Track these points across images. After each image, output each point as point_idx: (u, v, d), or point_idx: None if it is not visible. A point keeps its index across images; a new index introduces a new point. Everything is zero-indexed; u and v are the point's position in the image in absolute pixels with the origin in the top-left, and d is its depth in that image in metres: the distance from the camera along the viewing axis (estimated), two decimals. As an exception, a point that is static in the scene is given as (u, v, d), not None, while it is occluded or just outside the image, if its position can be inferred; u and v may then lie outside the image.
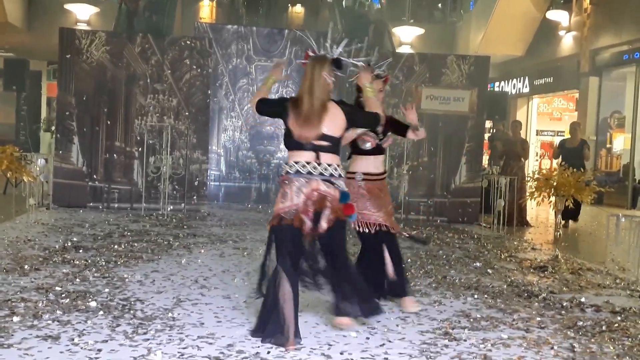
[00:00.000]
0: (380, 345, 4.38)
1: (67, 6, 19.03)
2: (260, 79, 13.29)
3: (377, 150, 5.52)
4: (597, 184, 10.35)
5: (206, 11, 19.51)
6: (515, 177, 11.04)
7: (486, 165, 14.76)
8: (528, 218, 11.95)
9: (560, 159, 11.85)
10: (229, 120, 13.39)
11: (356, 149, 5.51)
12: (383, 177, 5.64)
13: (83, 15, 18.85)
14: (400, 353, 4.25)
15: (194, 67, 11.86)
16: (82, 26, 17.68)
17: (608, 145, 17.33)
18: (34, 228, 8.85)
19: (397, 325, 4.86)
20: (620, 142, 17.07)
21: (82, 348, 4.04)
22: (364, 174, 5.46)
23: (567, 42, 18.37)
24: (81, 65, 11.47)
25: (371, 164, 5.51)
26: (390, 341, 4.49)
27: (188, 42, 12.01)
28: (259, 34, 13.60)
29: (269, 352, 4.13)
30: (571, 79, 18.23)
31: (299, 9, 20.06)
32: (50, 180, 11.21)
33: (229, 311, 5.05)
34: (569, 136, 12.41)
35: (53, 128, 15.81)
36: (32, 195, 10.25)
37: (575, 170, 10.07)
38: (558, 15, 18.37)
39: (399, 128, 5.67)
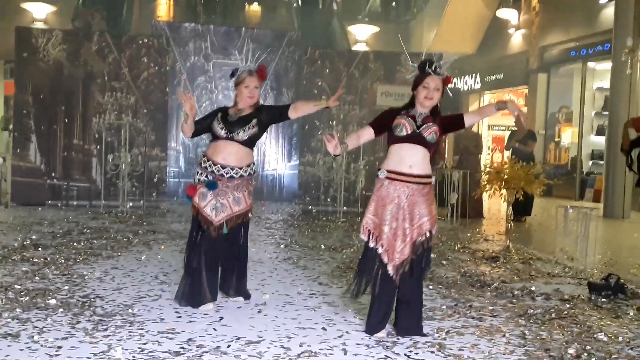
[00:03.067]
0: (338, 337, 4.39)
1: (24, 5, 18.67)
2: (219, 77, 13.22)
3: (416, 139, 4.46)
4: (546, 177, 10.51)
5: (163, 9, 19.31)
6: (467, 171, 11.14)
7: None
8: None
9: (510, 151, 12.00)
10: (187, 117, 13.28)
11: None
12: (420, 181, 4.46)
13: (40, 14, 18.52)
14: (358, 344, 4.26)
15: (152, 65, 11.77)
16: (39, 25, 17.37)
17: (556, 139, 17.60)
18: (-8, 227, 8.69)
19: (355, 317, 4.88)
20: (568, 135, 17.35)
21: (42, 345, 3.97)
22: (388, 171, 4.45)
23: (516, 40, 18.61)
24: (38, 64, 11.29)
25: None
26: (347, 332, 4.50)
27: (145, 40, 11.91)
28: (217, 32, 13.51)
29: (229, 346, 4.11)
30: (521, 75, 18.47)
31: (255, 7, 19.99)
32: (8, 178, 11.00)
33: (188, 306, 5.00)
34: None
35: (11, 127, 15.50)
36: (-10, 194, 10.06)
37: (524, 163, 10.22)
38: (508, 14, 18.60)
39: (452, 122, 4.65)
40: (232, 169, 4.99)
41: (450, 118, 4.66)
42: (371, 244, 4.42)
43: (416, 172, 4.40)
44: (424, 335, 4.46)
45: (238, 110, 5.07)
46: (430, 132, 4.45)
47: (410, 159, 4.41)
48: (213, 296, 5.09)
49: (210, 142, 5.15)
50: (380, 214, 4.41)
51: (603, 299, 5.67)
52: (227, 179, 5.00)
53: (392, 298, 4.44)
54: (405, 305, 4.45)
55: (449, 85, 4.62)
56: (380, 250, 4.39)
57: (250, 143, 5.06)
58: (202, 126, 5.14)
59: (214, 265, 5.12)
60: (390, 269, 4.38)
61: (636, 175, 7.95)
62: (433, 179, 4.54)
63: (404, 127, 4.42)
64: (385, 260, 4.38)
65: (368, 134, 4.59)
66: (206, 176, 5.00)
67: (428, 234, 4.43)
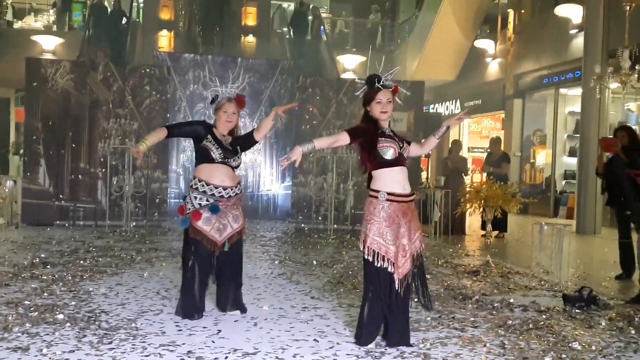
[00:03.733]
0: (330, 348, 4.38)
1: (34, 37, 18.71)
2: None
3: (401, 161, 4.46)
4: (523, 196, 10.56)
5: (164, 41, 19.35)
6: (449, 191, 11.18)
7: (425, 180, 14.95)
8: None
9: (487, 171, 12.07)
10: (187, 141, 13.20)
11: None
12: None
13: (48, 45, 18.54)
14: (348, 354, 4.25)
15: (154, 92, 11.76)
16: (48, 56, 17.39)
17: (532, 160, 17.69)
18: (3, 246, 8.63)
19: (345, 329, 4.87)
20: (542, 157, 17.44)
21: (50, 358, 3.95)
22: (388, 193, 4.38)
23: (493, 68, 18.74)
24: (47, 93, 11.30)
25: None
26: (338, 343, 4.49)
27: (148, 70, 11.92)
28: (214, 61, 13.56)
29: (226, 357, 4.09)
30: (498, 101, 18.59)
31: (251, 38, 20.03)
32: (19, 200, 10.96)
33: (188, 320, 4.98)
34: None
35: (21, 151, 15.46)
36: (1, 214, 10.01)
37: (501, 182, 10.28)
38: (485, 44, 18.75)
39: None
40: (231, 189, 5.05)
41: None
42: (377, 264, 4.32)
43: (408, 192, 4.42)
44: (411, 345, 4.45)
45: (222, 136, 5.10)
46: (407, 152, 4.52)
47: (403, 180, 4.41)
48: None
49: (199, 164, 5.08)
50: (385, 235, 4.33)
51: (577, 310, 5.68)
52: (226, 199, 5.02)
53: (383, 312, 4.40)
54: (396, 318, 4.41)
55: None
56: (391, 269, 4.32)
57: (237, 168, 5.17)
58: (182, 131, 5.16)
59: (206, 281, 5.15)
60: (397, 284, 4.34)
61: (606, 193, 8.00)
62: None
63: (391, 149, 4.36)
64: (397, 277, 4.33)
65: (344, 139, 4.43)
66: (206, 200, 4.99)
67: (422, 247, 4.47)
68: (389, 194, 4.35)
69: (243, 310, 5.27)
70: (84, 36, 17.70)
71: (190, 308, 5.04)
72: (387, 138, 4.43)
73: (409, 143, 4.63)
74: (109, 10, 18.96)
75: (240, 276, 5.27)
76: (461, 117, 4.77)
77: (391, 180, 4.38)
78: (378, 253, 4.33)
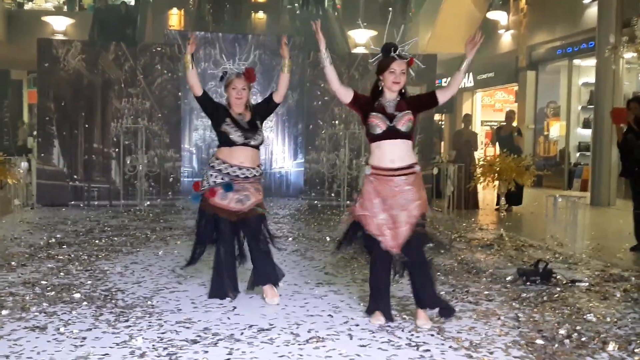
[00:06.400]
0: (344, 323, 4.40)
1: (45, 18, 18.74)
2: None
3: (392, 134, 4.34)
4: (536, 168, 10.50)
5: (175, 19, 19.35)
6: (462, 165, 11.14)
7: (438, 155, 14.91)
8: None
9: (497, 144, 11.96)
10: (199, 120, 13.23)
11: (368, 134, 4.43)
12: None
13: (59, 26, 18.59)
14: (362, 329, 4.27)
15: (165, 71, 11.77)
16: (59, 36, 17.42)
17: (545, 133, 17.57)
18: (19, 227, 8.71)
19: (359, 304, 4.88)
20: (556, 129, 17.31)
21: (67, 337, 3.99)
22: (373, 167, 4.38)
23: (506, 40, 18.57)
24: (59, 73, 11.33)
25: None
26: (352, 318, 4.50)
27: (159, 49, 11.92)
28: (225, 39, 13.51)
29: (242, 334, 4.12)
30: (511, 74, 18.43)
31: (261, 15, 19.99)
32: (33, 181, 11.04)
33: (204, 297, 5.02)
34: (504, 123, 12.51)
35: (35, 133, 15.55)
36: (16, 196, 10.09)
37: (514, 155, 10.22)
38: (497, 15, 18.57)
39: (424, 102, 4.57)
40: (247, 170, 4.94)
41: (421, 98, 4.56)
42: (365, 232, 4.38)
43: (398, 166, 4.30)
44: (444, 308, 4.48)
45: (239, 114, 4.99)
46: (404, 122, 4.31)
47: (391, 154, 4.30)
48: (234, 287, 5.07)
49: (221, 146, 5.00)
50: (369, 208, 4.33)
51: (530, 285, 5.55)
52: (242, 179, 4.94)
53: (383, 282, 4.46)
54: (420, 284, 4.41)
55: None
56: (380, 239, 4.32)
57: (259, 146, 5.06)
58: (207, 105, 5.09)
59: (234, 259, 5.07)
60: (389, 250, 4.35)
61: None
62: (418, 167, 4.39)
63: (378, 126, 4.29)
64: (385, 246, 4.32)
65: (346, 96, 4.44)
66: (221, 178, 4.92)
67: (421, 218, 4.36)
68: (373, 167, 4.32)
69: (276, 283, 5.14)
70: (92, 26, 17.58)
71: (221, 288, 4.96)
72: (378, 112, 4.32)
73: (426, 98, 4.54)
74: (116, 12, 18.77)
75: (269, 246, 5.15)
76: (476, 40, 4.43)
77: (379, 155, 4.32)
78: (359, 223, 4.38)
